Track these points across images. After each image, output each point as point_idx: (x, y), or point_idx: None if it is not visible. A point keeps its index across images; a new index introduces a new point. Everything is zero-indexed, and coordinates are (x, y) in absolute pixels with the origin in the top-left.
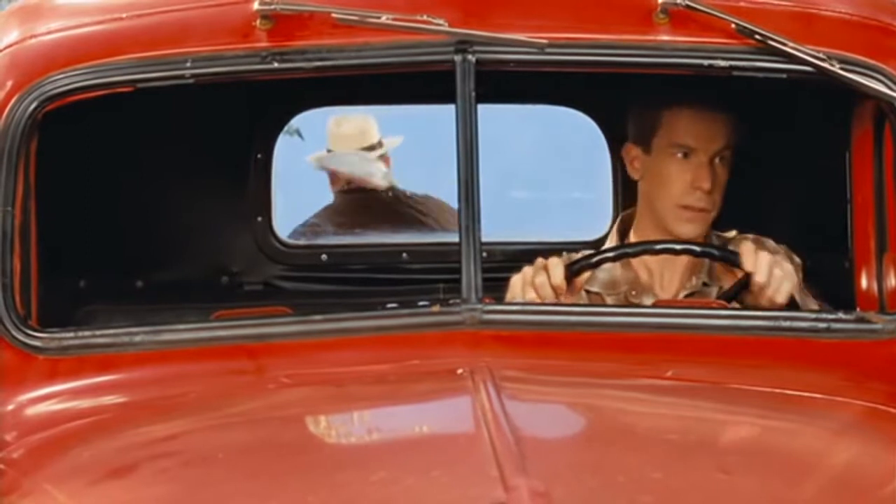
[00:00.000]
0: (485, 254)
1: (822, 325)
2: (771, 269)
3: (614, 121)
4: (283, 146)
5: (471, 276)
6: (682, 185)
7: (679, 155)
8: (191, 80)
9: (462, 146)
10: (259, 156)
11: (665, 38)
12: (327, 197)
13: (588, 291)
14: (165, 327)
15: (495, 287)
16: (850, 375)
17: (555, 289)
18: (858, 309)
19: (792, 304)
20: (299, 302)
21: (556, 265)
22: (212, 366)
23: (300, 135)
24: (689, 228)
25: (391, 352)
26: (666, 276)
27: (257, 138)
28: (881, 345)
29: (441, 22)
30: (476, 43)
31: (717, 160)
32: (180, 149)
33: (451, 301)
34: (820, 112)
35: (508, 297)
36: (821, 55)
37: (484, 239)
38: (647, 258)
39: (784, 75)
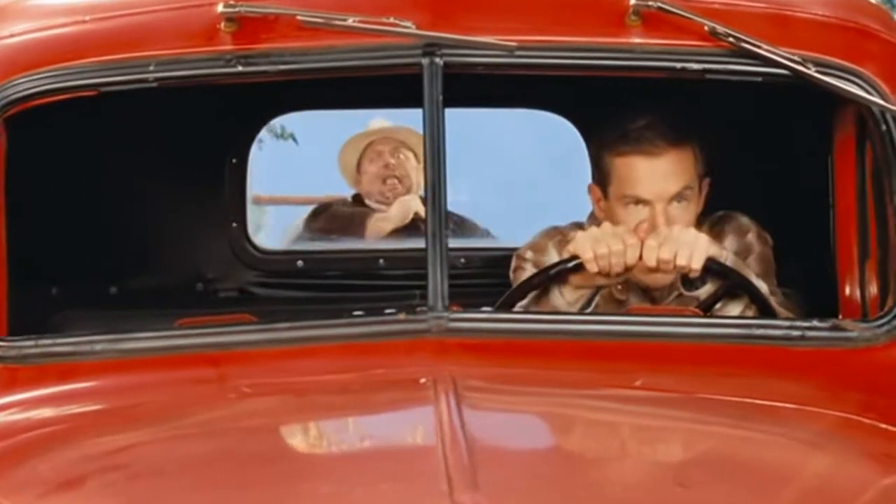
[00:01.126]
0: (462, 260)
1: (797, 332)
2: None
3: (593, 124)
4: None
5: (437, 283)
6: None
7: (632, 205)
8: (154, 84)
9: (429, 150)
10: (234, 160)
11: (637, 40)
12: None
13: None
14: (126, 335)
15: (476, 294)
16: (824, 385)
17: (626, 268)
18: (841, 316)
19: (713, 273)
20: (275, 308)
21: (634, 247)
22: (173, 375)
23: (294, 139)
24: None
25: (356, 360)
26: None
27: (232, 142)
28: (857, 353)
29: (408, 24)
30: (444, 46)
31: (674, 202)
32: (154, 153)
33: (417, 308)
34: (803, 116)
35: (571, 250)
36: (796, 58)
37: (462, 245)
38: None
39: (759, 78)
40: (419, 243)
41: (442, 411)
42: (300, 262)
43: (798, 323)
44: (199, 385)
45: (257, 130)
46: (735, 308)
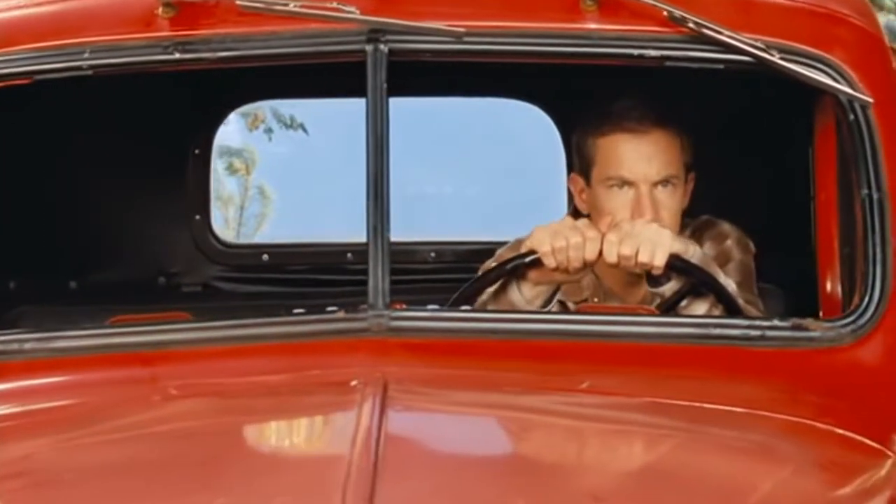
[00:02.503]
0: (433, 254)
1: (756, 332)
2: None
3: (568, 114)
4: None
5: (378, 279)
6: (625, 215)
7: (616, 186)
8: (89, 72)
9: (372, 141)
10: (197, 151)
11: (593, 26)
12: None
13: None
14: (57, 334)
15: (446, 290)
16: (783, 386)
17: (585, 263)
18: (822, 315)
19: (678, 269)
20: (239, 304)
21: (594, 241)
22: (103, 375)
23: (304, 129)
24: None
25: (294, 361)
26: (630, 278)
27: (195, 132)
28: (818, 353)
29: (352, 10)
30: (389, 32)
31: (659, 187)
32: (114, 143)
33: (360, 307)
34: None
35: (528, 244)
36: (759, 44)
37: (433, 238)
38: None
39: (720, 66)
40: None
41: (363, 418)
42: (265, 256)
43: (757, 322)
44: (129, 386)
45: (220, 120)
46: (701, 307)
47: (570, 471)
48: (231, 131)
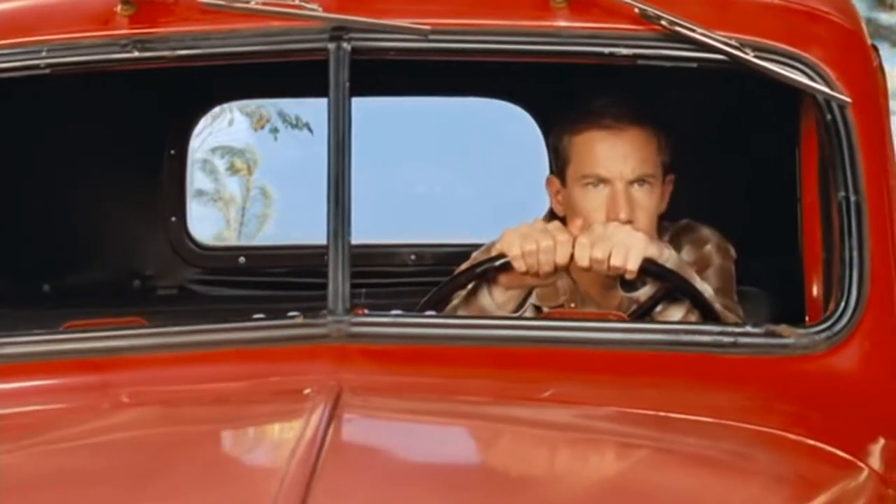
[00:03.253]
0: (413, 257)
1: (728, 339)
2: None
3: (551, 115)
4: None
5: (338, 283)
6: (600, 215)
7: (591, 185)
8: (46, 71)
9: (333, 142)
10: (172, 151)
11: (563, 23)
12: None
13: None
14: (7, 339)
15: (426, 293)
16: (756, 395)
17: (556, 266)
18: (808, 320)
19: (648, 269)
20: (216, 308)
21: (565, 245)
22: (53, 382)
23: (310, 129)
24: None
25: (251, 368)
26: (606, 282)
27: (170, 132)
28: (792, 361)
29: (314, 7)
30: (352, 29)
31: (635, 185)
32: (88, 143)
33: (321, 312)
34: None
35: (498, 247)
36: (733, 42)
37: (413, 241)
38: None
39: (694, 64)
40: (366, 240)
41: (307, 429)
42: (242, 259)
43: (729, 329)
44: (75, 395)
45: (196, 120)
46: (677, 312)
47: (520, 484)
48: (234, 131)
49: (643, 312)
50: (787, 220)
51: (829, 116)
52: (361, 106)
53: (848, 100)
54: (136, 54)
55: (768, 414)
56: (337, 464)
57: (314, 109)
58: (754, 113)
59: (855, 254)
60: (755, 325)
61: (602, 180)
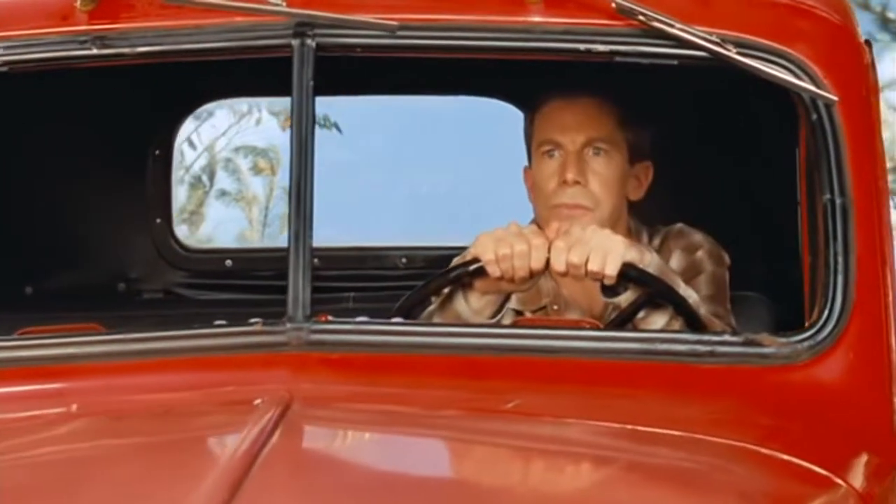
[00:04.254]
0: (404, 259)
1: (705, 348)
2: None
3: None
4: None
5: (298, 289)
6: (553, 184)
7: (548, 154)
8: (5, 69)
9: (296, 142)
10: (157, 152)
11: (536, 19)
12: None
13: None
14: None
15: None
16: (732, 407)
17: (532, 272)
18: (807, 324)
19: (627, 276)
20: (202, 311)
21: (540, 249)
22: (6, 391)
23: (338, 128)
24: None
25: (207, 376)
26: (589, 286)
27: (155, 133)
28: (773, 371)
29: (278, 2)
30: (317, 25)
31: (589, 152)
32: (71, 143)
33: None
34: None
35: (472, 252)
36: (714, 38)
37: (403, 244)
38: None
39: (674, 61)
40: (357, 242)
41: (242, 444)
42: (229, 262)
43: (706, 337)
44: (23, 404)
45: (182, 120)
46: (660, 319)
47: (463, 500)
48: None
49: (624, 319)
50: (789, 223)
51: (814, 115)
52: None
53: (834, 98)
54: (95, 51)
55: (744, 427)
56: (265, 480)
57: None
58: (755, 112)
59: (840, 259)
60: (734, 333)
61: (557, 145)
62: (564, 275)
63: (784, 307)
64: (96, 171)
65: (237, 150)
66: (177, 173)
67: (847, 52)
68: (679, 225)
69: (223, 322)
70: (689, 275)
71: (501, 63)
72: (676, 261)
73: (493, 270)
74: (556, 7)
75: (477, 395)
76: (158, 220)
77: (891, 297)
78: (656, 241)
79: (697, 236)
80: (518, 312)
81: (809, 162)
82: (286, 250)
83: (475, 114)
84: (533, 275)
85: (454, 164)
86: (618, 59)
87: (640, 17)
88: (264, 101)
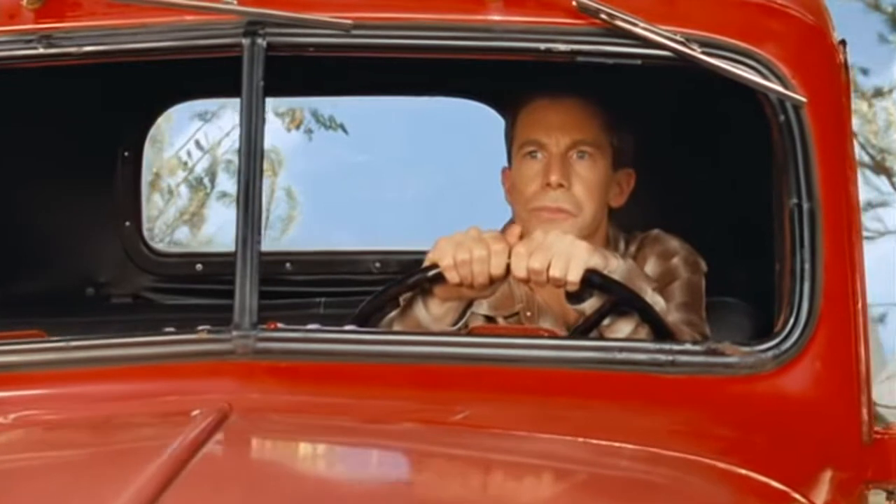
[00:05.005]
0: (378, 264)
1: (665, 357)
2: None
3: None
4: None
5: (245, 296)
6: (535, 186)
7: (530, 154)
8: None
9: (245, 144)
10: (126, 153)
11: (496, 18)
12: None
13: (475, 313)
14: None
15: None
16: (693, 419)
17: (492, 278)
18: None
19: (588, 282)
20: (171, 317)
21: (500, 254)
22: None
23: (344, 129)
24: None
25: (151, 386)
26: (562, 292)
27: (124, 134)
28: (736, 382)
29: (229, 0)
30: (269, 24)
31: (573, 155)
32: (37, 143)
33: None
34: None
35: (430, 257)
36: (678, 37)
37: (377, 248)
38: None
39: (638, 61)
40: (330, 247)
41: (163, 459)
42: (199, 266)
43: (667, 346)
44: None
45: (153, 120)
46: (625, 326)
47: None
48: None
49: (589, 326)
50: (770, 227)
51: (782, 117)
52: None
53: (803, 99)
54: (41, 51)
55: (703, 439)
56: (184, 493)
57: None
58: (735, 114)
59: (807, 266)
60: (696, 342)
61: (540, 146)
62: (526, 281)
63: (766, 313)
64: (63, 172)
65: (239, 151)
66: (180, 175)
67: (818, 53)
68: (655, 231)
69: (172, 329)
70: (664, 281)
71: (478, 63)
72: (651, 267)
73: (452, 276)
74: (515, 5)
75: (426, 406)
76: (128, 224)
77: (860, 305)
78: (633, 248)
79: (673, 242)
80: (490, 318)
81: (777, 165)
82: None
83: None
84: (493, 281)
85: (460, 164)
86: (580, 58)
87: (603, 16)
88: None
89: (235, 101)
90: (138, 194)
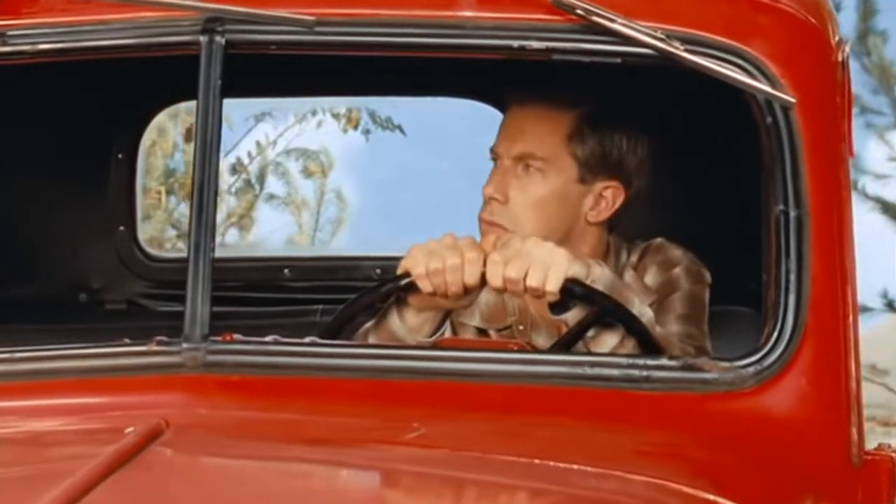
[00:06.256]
0: (378, 270)
1: (639, 373)
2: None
3: None
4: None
5: (196, 306)
6: (481, 200)
7: (493, 160)
8: None
9: (200, 146)
10: (120, 155)
11: (468, 14)
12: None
13: (465, 325)
14: None
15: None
16: (667, 438)
17: (466, 288)
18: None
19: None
20: (167, 324)
21: (474, 263)
22: None
23: (402, 130)
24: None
25: (98, 400)
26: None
27: (118, 135)
28: (714, 399)
29: None
30: (228, 21)
31: (520, 168)
32: (28, 144)
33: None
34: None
35: (403, 265)
36: (659, 34)
37: (378, 254)
38: None
39: (617, 59)
40: (328, 252)
41: (74, 482)
42: None
43: (641, 361)
44: None
45: (147, 122)
46: (611, 338)
47: None
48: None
49: (571, 339)
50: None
51: (769, 118)
52: None
53: (792, 100)
54: None
55: (674, 461)
56: None
57: (406, 111)
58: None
59: (792, 276)
60: (672, 357)
61: (497, 155)
62: (503, 290)
63: None
64: (55, 175)
65: (288, 152)
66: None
67: (812, 50)
68: (659, 240)
69: (127, 340)
70: (665, 292)
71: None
72: (652, 277)
73: (425, 285)
74: (488, 1)
75: (380, 423)
76: (121, 228)
77: (850, 319)
78: (634, 258)
79: (676, 252)
80: (482, 331)
81: (765, 170)
82: (253, 260)
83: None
84: (468, 290)
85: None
86: (555, 56)
87: (579, 12)
88: (325, 102)
89: (292, 101)
90: (132, 198)
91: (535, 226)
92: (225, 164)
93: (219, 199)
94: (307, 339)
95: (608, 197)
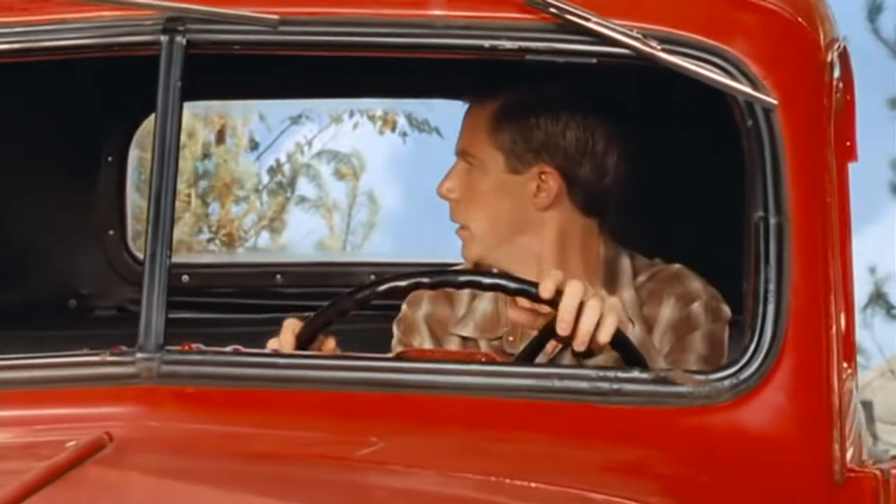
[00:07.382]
0: (373, 276)
1: (609, 386)
2: (579, 299)
3: None
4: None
5: (151, 315)
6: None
7: None
8: None
9: (158, 151)
10: (110, 158)
11: (437, 13)
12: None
13: (458, 336)
14: None
15: (383, 318)
16: (639, 454)
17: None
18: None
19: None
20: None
21: (286, 327)
22: None
23: (439, 133)
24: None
25: (48, 412)
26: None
27: (107, 137)
28: (688, 413)
29: None
30: (189, 20)
31: (463, 165)
32: (16, 147)
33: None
34: None
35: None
36: (635, 33)
37: (372, 259)
38: None
39: (593, 59)
40: (321, 258)
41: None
42: (185, 277)
43: (612, 374)
44: None
45: (138, 124)
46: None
47: None
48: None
49: (534, 351)
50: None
51: (750, 121)
52: None
53: (773, 102)
54: None
55: (644, 478)
56: None
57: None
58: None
59: (772, 286)
60: (644, 370)
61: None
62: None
63: None
64: (45, 179)
65: (319, 155)
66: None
67: (797, 50)
68: (677, 267)
69: (86, 350)
70: (683, 330)
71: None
72: (669, 310)
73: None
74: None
75: (335, 437)
76: (111, 232)
77: (834, 331)
78: (642, 277)
79: (695, 284)
80: (466, 340)
81: (746, 174)
82: (245, 265)
83: None
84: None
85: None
86: (528, 56)
87: (553, 10)
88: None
89: (324, 103)
90: (122, 201)
91: (488, 222)
92: (262, 164)
93: (252, 199)
94: (268, 349)
95: (547, 181)
